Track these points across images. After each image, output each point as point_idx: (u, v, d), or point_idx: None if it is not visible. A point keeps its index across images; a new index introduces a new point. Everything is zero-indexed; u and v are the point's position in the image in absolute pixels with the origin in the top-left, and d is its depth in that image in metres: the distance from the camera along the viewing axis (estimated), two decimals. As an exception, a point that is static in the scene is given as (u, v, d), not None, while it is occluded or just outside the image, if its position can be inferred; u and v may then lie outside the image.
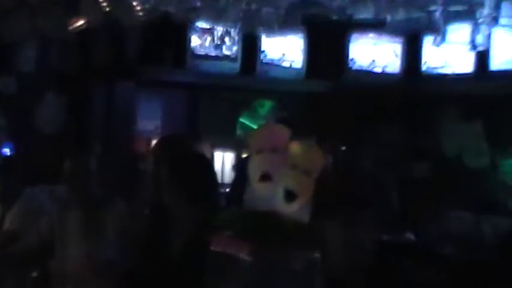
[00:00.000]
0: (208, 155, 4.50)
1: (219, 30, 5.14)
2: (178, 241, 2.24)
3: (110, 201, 2.93)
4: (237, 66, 5.27)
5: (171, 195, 2.24)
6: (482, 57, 4.61)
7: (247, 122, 5.20)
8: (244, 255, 1.71)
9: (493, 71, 4.61)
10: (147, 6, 3.66)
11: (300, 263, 1.74)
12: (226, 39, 5.22)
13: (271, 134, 1.98)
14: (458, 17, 3.52)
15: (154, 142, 2.99)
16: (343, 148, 4.58)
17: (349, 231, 2.12)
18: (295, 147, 1.92)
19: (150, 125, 5.10)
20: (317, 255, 1.79)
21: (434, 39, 3.71)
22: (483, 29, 3.31)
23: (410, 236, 3.66)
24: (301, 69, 5.37)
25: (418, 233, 3.66)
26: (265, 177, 1.89)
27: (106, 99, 4.93)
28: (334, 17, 3.61)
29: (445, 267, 2.53)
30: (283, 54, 5.36)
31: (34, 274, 2.98)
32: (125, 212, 2.84)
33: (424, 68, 5.07)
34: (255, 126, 5.01)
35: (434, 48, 4.23)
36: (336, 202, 2.13)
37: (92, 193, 2.92)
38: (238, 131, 5.16)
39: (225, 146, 5.09)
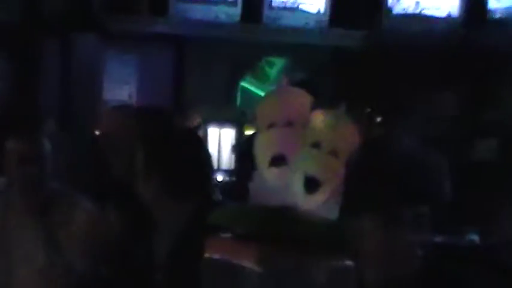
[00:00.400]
0: (199, 133, 4.52)
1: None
2: (164, 248, 2.24)
3: (69, 197, 2.88)
4: (237, 11, 5.26)
5: (152, 187, 2.25)
6: None
7: (251, 87, 5.21)
8: (250, 264, 1.71)
9: None
10: None
11: (325, 274, 1.75)
12: (223, -26, 5.20)
13: (285, 101, 1.96)
14: None
15: (127, 115, 2.99)
16: (380, 120, 4.57)
17: (390, 231, 2.03)
18: (318, 119, 1.90)
19: (121, 93, 5.12)
20: (348, 263, 1.78)
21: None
22: None
23: (473, 238, 3.67)
24: (323, 14, 5.35)
25: (483, 233, 3.66)
26: (278, 160, 1.88)
27: (62, 59, 4.93)
28: None
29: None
30: (299, -5, 5.35)
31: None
32: (91, 211, 2.79)
33: (491, 7, 5.00)
34: (262, 93, 5.00)
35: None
36: (373, 193, 2.04)
37: (44, 187, 2.86)
38: (240, 100, 5.16)
39: (222, 120, 5.10)
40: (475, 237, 3.63)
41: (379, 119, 4.52)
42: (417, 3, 5.25)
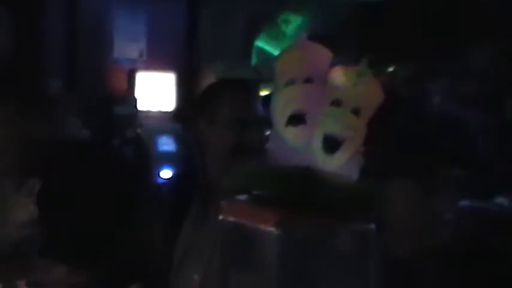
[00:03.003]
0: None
1: None
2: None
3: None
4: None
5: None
6: None
7: (266, 47, 5.14)
8: (268, 228, 1.68)
9: None
10: None
11: (348, 239, 1.71)
12: None
13: (304, 57, 1.88)
14: None
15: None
16: (407, 73, 4.47)
17: (417, 194, 2.13)
18: (339, 74, 1.84)
19: (131, 50, 5.04)
20: (371, 227, 1.74)
21: None
22: None
23: (504, 202, 3.63)
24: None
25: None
26: (297, 119, 1.85)
27: (67, 14, 4.87)
28: None
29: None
30: None
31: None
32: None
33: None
34: (277, 52, 4.92)
35: None
36: (398, 154, 2.14)
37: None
38: (255, 59, 5.10)
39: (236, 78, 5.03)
40: (505, 202, 3.59)
41: (404, 75, 4.42)
42: None
